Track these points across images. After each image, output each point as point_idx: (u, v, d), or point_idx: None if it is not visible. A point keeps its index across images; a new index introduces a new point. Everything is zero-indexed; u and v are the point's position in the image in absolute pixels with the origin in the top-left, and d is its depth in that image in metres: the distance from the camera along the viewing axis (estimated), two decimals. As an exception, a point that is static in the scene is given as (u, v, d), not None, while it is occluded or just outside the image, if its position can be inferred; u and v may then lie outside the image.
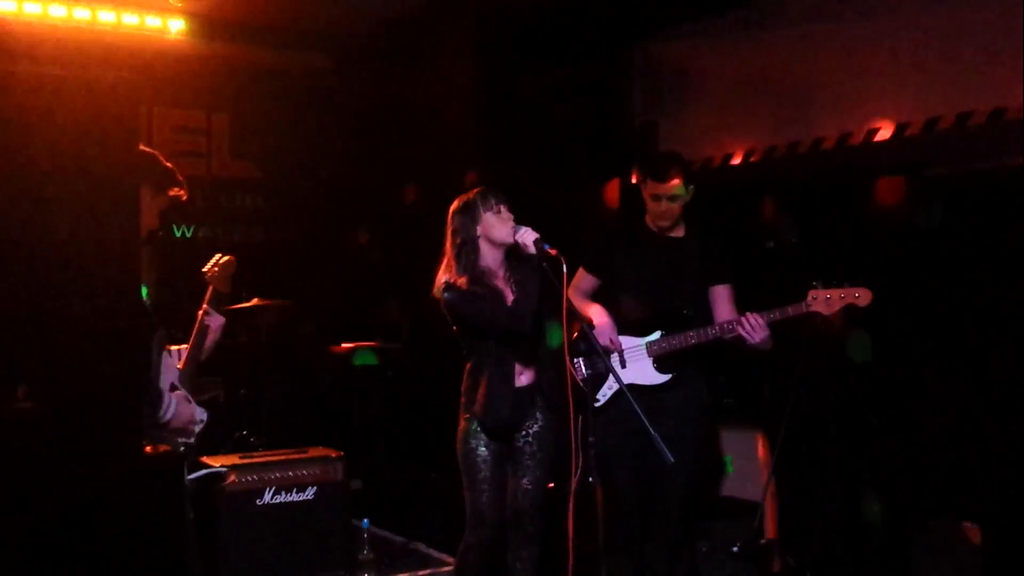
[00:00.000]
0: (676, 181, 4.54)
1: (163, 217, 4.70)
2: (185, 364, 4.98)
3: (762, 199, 6.26)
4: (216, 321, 4.95)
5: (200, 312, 5.01)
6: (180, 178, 4.50)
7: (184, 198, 4.68)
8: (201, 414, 4.94)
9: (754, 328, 4.38)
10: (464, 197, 4.35)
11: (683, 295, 4.64)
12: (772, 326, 4.44)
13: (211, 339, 5.02)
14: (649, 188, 4.60)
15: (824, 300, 4.34)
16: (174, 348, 5.03)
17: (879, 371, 5.50)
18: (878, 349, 5.59)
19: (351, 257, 7.49)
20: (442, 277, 4.31)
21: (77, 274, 2.89)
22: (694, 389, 4.64)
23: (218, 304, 5.09)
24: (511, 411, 4.28)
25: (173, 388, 4.66)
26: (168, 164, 4.33)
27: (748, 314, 4.40)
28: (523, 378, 4.33)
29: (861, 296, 4.33)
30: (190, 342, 5.00)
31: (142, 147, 3.93)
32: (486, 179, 4.45)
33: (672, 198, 4.56)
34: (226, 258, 5.13)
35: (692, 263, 4.66)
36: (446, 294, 4.26)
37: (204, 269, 5.17)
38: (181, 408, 4.32)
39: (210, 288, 5.10)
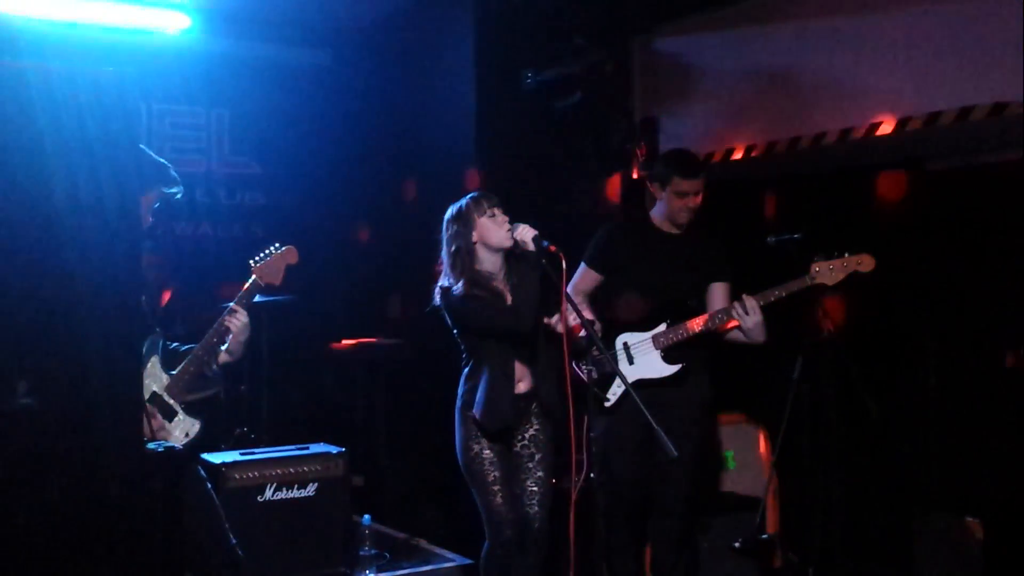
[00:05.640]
0: (702, 180, 4.57)
1: (158, 214, 4.53)
2: (182, 371, 4.56)
3: (763, 194, 6.25)
4: (238, 322, 4.49)
5: (229, 308, 4.48)
6: (174, 174, 4.38)
7: (178, 195, 4.50)
8: (188, 427, 4.48)
9: (748, 312, 4.38)
10: (456, 204, 4.32)
11: (688, 289, 4.65)
12: (774, 319, 4.44)
13: (236, 341, 4.53)
14: (674, 185, 4.58)
15: (828, 271, 4.34)
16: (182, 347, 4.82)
17: (881, 366, 5.49)
18: (880, 343, 5.59)
19: (352, 253, 7.48)
20: (440, 284, 4.30)
21: (79, 269, 2.88)
22: (698, 384, 4.66)
23: (250, 298, 4.53)
24: (510, 412, 4.27)
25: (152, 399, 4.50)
26: (160, 160, 4.22)
27: (743, 296, 4.40)
28: (521, 385, 4.32)
29: (864, 262, 4.33)
30: (199, 347, 4.56)
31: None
32: (485, 176, 4.44)
33: (698, 193, 4.57)
34: (286, 248, 4.60)
35: (696, 259, 4.67)
36: (444, 300, 4.25)
37: (252, 260, 4.54)
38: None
39: (251, 279, 4.57)
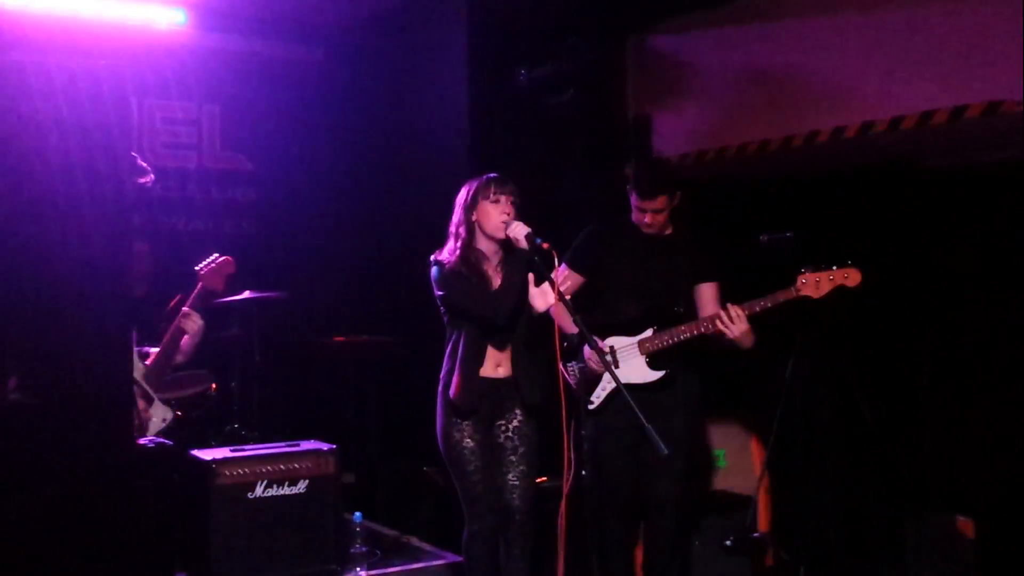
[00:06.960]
0: (661, 200, 4.53)
1: (149, 208, 4.78)
2: (153, 362, 5.03)
3: (756, 192, 6.25)
4: (194, 325, 5.03)
5: (182, 311, 5.05)
6: (141, 163, 4.46)
7: (149, 184, 4.69)
8: (164, 413, 4.98)
9: (733, 320, 4.37)
10: (472, 180, 4.38)
11: (674, 292, 4.63)
12: (764, 319, 4.44)
13: (189, 342, 5.11)
14: (634, 200, 4.58)
15: (814, 283, 4.36)
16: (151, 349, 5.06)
17: (874, 364, 5.50)
18: (872, 342, 5.59)
19: (342, 249, 7.46)
20: (437, 253, 4.35)
21: (70, 264, 2.86)
22: (687, 385, 4.64)
23: (205, 302, 5.09)
24: (481, 396, 4.28)
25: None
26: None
27: (728, 305, 4.40)
28: (500, 370, 4.34)
29: (850, 277, 4.36)
30: (164, 340, 5.04)
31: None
32: (477, 173, 4.43)
33: (656, 212, 4.55)
34: (223, 258, 5.11)
35: (681, 260, 4.64)
36: (433, 268, 4.32)
37: (197, 267, 5.14)
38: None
39: (199, 286, 5.08)
